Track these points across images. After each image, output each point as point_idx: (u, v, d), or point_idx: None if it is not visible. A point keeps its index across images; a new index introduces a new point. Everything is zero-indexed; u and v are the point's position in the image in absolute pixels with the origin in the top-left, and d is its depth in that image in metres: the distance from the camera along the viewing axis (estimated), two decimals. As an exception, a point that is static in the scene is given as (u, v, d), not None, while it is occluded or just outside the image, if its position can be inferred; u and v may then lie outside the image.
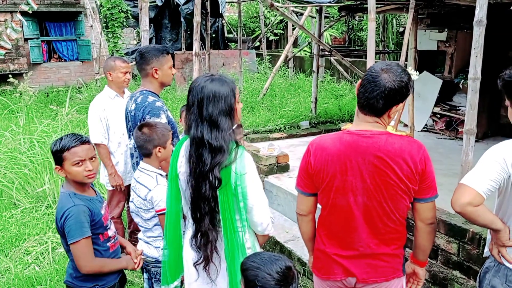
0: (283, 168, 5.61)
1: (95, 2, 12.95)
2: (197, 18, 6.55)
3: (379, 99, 2.00)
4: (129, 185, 4.24)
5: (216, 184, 2.12)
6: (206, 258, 2.24)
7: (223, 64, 13.00)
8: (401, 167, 2.01)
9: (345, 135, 2.11)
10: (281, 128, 7.70)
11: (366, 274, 2.17)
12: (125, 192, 4.30)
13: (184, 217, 2.40)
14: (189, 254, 2.35)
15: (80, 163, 2.41)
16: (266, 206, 2.26)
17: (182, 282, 2.54)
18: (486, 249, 2.27)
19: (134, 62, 8.91)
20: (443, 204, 2.89)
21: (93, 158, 2.47)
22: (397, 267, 2.21)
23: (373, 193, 2.06)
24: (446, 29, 6.85)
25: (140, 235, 2.95)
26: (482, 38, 3.26)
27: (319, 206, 2.29)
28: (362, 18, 13.16)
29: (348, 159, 2.06)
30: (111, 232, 2.60)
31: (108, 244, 2.58)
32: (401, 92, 2.01)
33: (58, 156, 2.40)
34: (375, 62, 3.00)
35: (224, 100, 2.13)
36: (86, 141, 2.46)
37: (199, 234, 2.23)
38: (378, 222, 2.10)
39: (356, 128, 2.10)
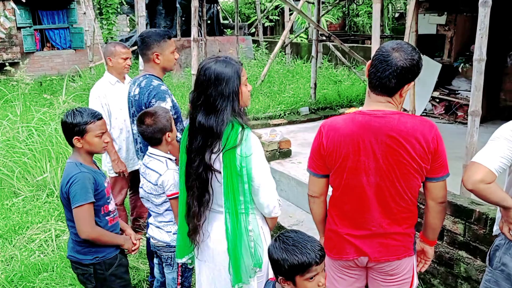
0: (285, 153, 5.60)
1: (88, -12, 12.79)
2: (195, 3, 6.47)
3: (392, 78, 2.00)
4: (132, 171, 4.24)
5: (203, 168, 2.13)
6: (194, 228, 2.26)
7: (219, 51, 12.90)
8: (413, 146, 2.01)
9: (358, 115, 2.11)
10: (281, 114, 7.69)
11: (378, 253, 2.19)
12: (127, 179, 4.28)
13: None
14: None
15: (101, 135, 2.57)
16: (273, 188, 2.25)
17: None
18: (495, 227, 2.29)
19: (134, 48, 8.77)
20: (448, 186, 2.91)
21: (106, 131, 2.66)
22: (408, 246, 2.23)
23: (385, 172, 2.07)
24: (445, 13, 6.82)
25: (151, 220, 2.93)
26: (488, 19, 3.25)
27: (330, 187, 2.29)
28: (359, 3, 13.11)
29: (361, 139, 2.06)
30: (111, 206, 2.67)
31: (107, 218, 2.64)
32: (413, 70, 2.01)
33: (82, 128, 2.50)
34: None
35: (226, 82, 2.10)
36: (101, 116, 2.62)
37: (196, 215, 2.25)
38: (390, 202, 2.11)
39: (368, 108, 2.10)
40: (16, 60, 13.10)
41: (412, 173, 2.06)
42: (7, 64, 10.49)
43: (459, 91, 6.85)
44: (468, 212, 3.17)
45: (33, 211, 4.98)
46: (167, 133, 2.77)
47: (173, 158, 2.83)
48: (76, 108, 2.56)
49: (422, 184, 2.15)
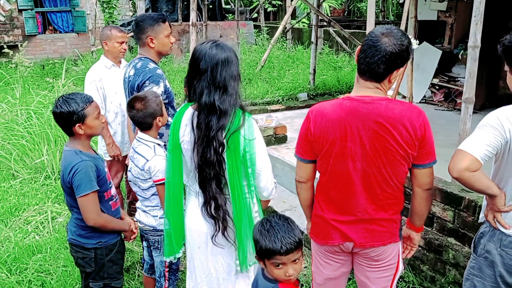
0: (281, 139, 5.61)
1: (90, -29, 12.71)
2: (194, -13, 6.44)
3: (380, 64, 1.99)
4: (127, 155, 4.26)
5: (220, 148, 2.14)
6: (221, 223, 2.26)
7: (221, 36, 12.85)
8: (400, 133, 2.01)
9: (345, 101, 2.10)
10: (279, 100, 7.68)
11: (364, 239, 2.20)
12: (123, 162, 4.30)
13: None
14: (193, 223, 2.37)
15: (98, 116, 2.56)
16: (271, 171, 2.30)
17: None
18: (481, 215, 2.30)
19: (130, 34, 8.80)
20: (439, 173, 2.91)
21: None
22: (394, 232, 2.24)
23: (372, 159, 2.07)
24: (446, -1, 6.77)
25: (138, 204, 2.96)
26: (483, 5, 3.22)
27: (318, 173, 2.30)
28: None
29: (348, 125, 2.06)
30: (113, 191, 2.69)
31: (110, 203, 2.67)
32: (402, 56, 2.00)
33: (81, 113, 2.46)
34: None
35: (234, 64, 2.17)
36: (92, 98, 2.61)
37: (209, 200, 2.25)
38: (376, 188, 2.12)
39: (356, 94, 2.09)
40: (17, 43, 13.06)
41: (398, 159, 2.06)
42: (5, 46, 10.44)
43: (458, 78, 6.82)
44: (458, 199, 3.19)
45: (30, 193, 5.03)
46: (158, 118, 2.77)
47: (162, 143, 2.84)
48: (64, 96, 2.50)
49: (409, 170, 2.15)
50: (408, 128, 2.01)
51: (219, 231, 2.27)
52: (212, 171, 2.20)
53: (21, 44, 11.49)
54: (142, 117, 2.74)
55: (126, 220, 2.80)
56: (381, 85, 2.06)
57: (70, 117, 2.45)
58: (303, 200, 2.42)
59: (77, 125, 2.48)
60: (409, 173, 2.17)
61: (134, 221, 2.87)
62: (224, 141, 2.15)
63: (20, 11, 13.38)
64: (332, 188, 2.21)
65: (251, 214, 2.26)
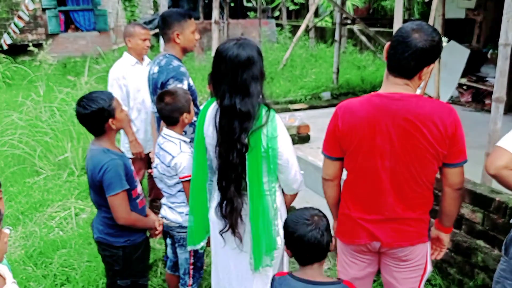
0: (304, 138, 5.55)
1: (113, -30, 12.81)
2: (216, -15, 6.43)
3: (410, 60, 1.95)
4: (149, 153, 4.26)
5: (244, 150, 2.12)
6: (232, 226, 2.25)
7: (242, 34, 12.82)
8: (430, 130, 1.96)
9: (374, 97, 2.06)
10: (301, 99, 7.61)
11: (391, 238, 2.16)
12: (145, 160, 4.30)
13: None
14: (215, 219, 2.37)
15: (122, 110, 2.58)
16: (297, 163, 2.28)
17: (208, 245, 2.58)
18: None
19: (152, 32, 8.79)
20: (468, 174, 2.85)
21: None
22: (422, 232, 2.19)
23: (401, 156, 2.02)
24: (475, -4, 6.61)
25: (163, 200, 2.95)
26: (516, 2, 3.14)
27: (344, 171, 2.26)
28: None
29: (377, 122, 2.02)
30: (139, 189, 2.70)
31: (137, 201, 2.67)
32: (432, 52, 1.96)
33: (110, 108, 2.47)
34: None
35: (256, 64, 2.13)
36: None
37: (225, 202, 2.25)
38: (405, 187, 2.07)
39: (386, 91, 2.05)
40: (40, 41, 13.24)
41: (428, 158, 2.01)
42: (30, 45, 10.59)
43: (487, 78, 6.65)
44: (488, 200, 3.11)
45: (54, 190, 5.08)
46: (185, 114, 2.76)
47: (188, 140, 2.82)
48: (87, 97, 2.49)
49: (439, 169, 2.09)
50: (438, 125, 1.96)
51: (228, 230, 2.28)
52: (234, 173, 2.18)
53: (45, 42, 11.62)
54: (169, 111, 2.73)
55: (151, 217, 2.80)
56: (411, 82, 2.02)
57: (101, 114, 2.45)
58: (330, 198, 2.38)
59: (110, 120, 2.49)
60: (439, 172, 2.11)
61: (159, 218, 2.86)
62: (247, 142, 2.12)
63: (43, 10, 13.57)
64: (360, 186, 2.17)
65: (269, 212, 2.23)
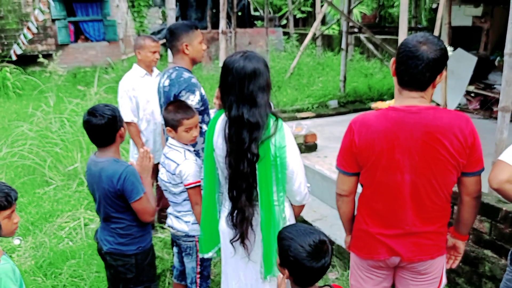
0: (311, 147, 5.56)
1: (121, -19, 12.96)
2: (224, -4, 6.49)
3: (426, 72, 1.96)
4: (158, 163, 4.29)
5: (254, 159, 2.15)
6: (242, 234, 2.27)
7: (249, 43, 12.89)
8: (451, 142, 1.97)
9: (391, 111, 2.06)
10: (308, 107, 7.62)
11: (412, 253, 2.16)
12: (154, 170, 4.31)
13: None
14: (225, 228, 2.39)
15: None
16: (304, 175, 2.29)
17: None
18: None
19: (160, 42, 8.86)
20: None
21: None
22: (441, 244, 2.20)
23: (421, 170, 2.02)
24: (481, 4, 6.59)
25: (169, 209, 2.98)
26: (520, 12, 3.14)
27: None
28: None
29: (395, 136, 2.02)
30: None
31: None
32: (443, 60, 1.98)
33: (120, 117, 2.61)
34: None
35: (262, 76, 2.16)
36: None
37: (235, 211, 2.27)
38: (425, 200, 2.07)
39: (402, 104, 2.05)
40: (50, 52, 13.38)
41: (449, 169, 2.02)
42: (40, 56, 10.72)
43: (495, 86, 6.62)
44: (495, 210, 3.11)
45: (64, 200, 5.12)
46: (180, 127, 2.81)
47: (192, 149, 2.87)
48: (98, 109, 2.53)
49: (457, 179, 2.10)
50: (458, 136, 1.97)
51: (238, 239, 2.30)
52: (245, 183, 2.21)
53: (55, 53, 11.74)
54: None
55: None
56: (425, 93, 2.03)
57: (115, 122, 2.55)
58: (344, 214, 2.37)
59: (122, 129, 2.60)
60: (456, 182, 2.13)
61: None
62: (258, 152, 2.15)
63: (53, 20, 13.73)
64: (378, 201, 2.16)
65: (279, 222, 2.24)
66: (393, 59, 2.08)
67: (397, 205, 2.10)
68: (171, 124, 2.81)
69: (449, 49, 4.27)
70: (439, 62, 1.96)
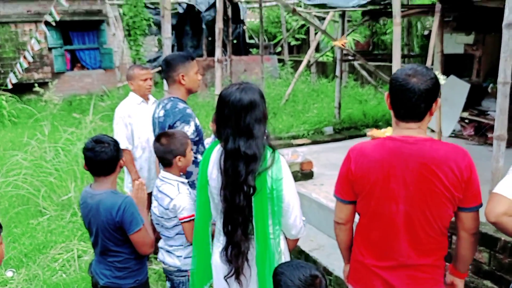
0: (307, 175, 5.54)
1: (118, 10, 13.11)
2: (219, 25, 6.57)
3: (420, 104, 1.97)
4: (152, 192, 4.26)
5: (251, 192, 2.12)
6: (237, 270, 2.23)
7: (245, 70, 12.99)
8: (446, 175, 1.95)
9: (388, 141, 2.08)
10: (304, 134, 7.64)
11: (407, 286, 2.12)
12: (149, 199, 4.28)
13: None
14: (218, 263, 2.34)
15: None
16: (300, 209, 2.26)
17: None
18: None
19: (156, 70, 8.92)
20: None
21: None
22: (438, 278, 2.15)
23: (416, 201, 2.01)
24: (473, 32, 6.70)
25: (161, 243, 2.93)
26: (512, 41, 3.19)
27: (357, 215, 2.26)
28: (386, 22, 13.01)
29: (391, 165, 2.02)
30: None
31: None
32: (435, 89, 2.00)
33: (120, 148, 2.67)
34: (401, 66, 2.93)
35: (258, 107, 2.16)
36: None
37: (230, 246, 2.22)
38: (420, 232, 2.05)
39: (399, 134, 2.06)
40: (46, 80, 13.45)
41: (444, 202, 1.99)
42: (36, 85, 10.78)
43: (488, 112, 6.67)
44: (494, 240, 3.09)
45: (57, 231, 5.06)
46: (178, 157, 2.79)
47: (185, 181, 2.83)
48: (99, 139, 2.57)
49: (454, 214, 2.07)
50: (454, 169, 1.95)
51: (233, 275, 2.25)
52: (241, 216, 2.17)
53: (51, 82, 11.77)
54: (162, 152, 2.79)
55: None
56: (423, 123, 2.04)
57: (118, 152, 2.58)
58: (342, 242, 2.36)
59: (121, 159, 2.62)
60: (454, 217, 2.10)
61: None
62: (254, 184, 2.12)
63: (50, 49, 13.82)
64: (373, 231, 2.14)
65: (274, 256, 2.21)
66: (386, 93, 2.10)
67: (392, 236, 2.08)
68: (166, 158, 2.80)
69: (442, 77, 4.32)
70: (431, 92, 1.97)
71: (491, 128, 6.59)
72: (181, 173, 2.90)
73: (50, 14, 8.25)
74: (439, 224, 2.04)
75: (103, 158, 2.53)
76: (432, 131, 6.14)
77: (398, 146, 2.02)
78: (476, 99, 6.91)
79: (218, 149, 2.26)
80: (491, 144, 6.56)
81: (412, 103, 1.97)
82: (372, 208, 2.10)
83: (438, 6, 4.80)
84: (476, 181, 2.01)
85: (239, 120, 2.13)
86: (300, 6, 10.85)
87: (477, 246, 2.19)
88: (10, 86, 8.91)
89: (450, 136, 7.05)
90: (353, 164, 2.11)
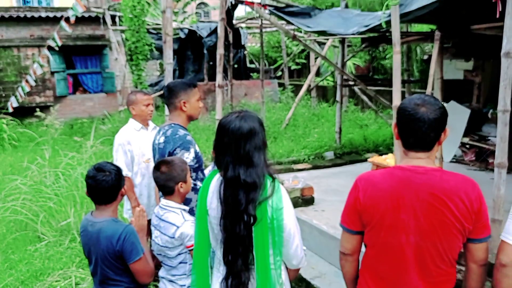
0: (308, 201, 5.51)
1: (121, 36, 13.27)
2: (220, 51, 6.61)
3: (430, 133, 1.97)
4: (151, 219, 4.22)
5: (252, 221, 2.10)
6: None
7: (245, 94, 13.08)
8: (457, 206, 1.92)
9: (397, 170, 2.05)
10: (305, 159, 7.62)
11: None
12: (148, 226, 4.25)
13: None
14: None
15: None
16: (300, 238, 2.23)
17: None
18: None
19: (157, 94, 8.97)
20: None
21: None
22: None
23: (427, 232, 1.97)
24: (472, 58, 6.75)
25: (162, 273, 2.86)
26: (511, 69, 3.20)
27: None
28: (386, 48, 13.12)
29: (401, 195, 1.98)
30: None
31: None
32: (444, 118, 1.99)
33: (123, 176, 2.69)
34: (404, 94, 2.92)
35: (258, 135, 2.15)
36: None
37: (231, 276, 2.18)
38: (430, 264, 2.01)
39: (408, 164, 2.04)
40: (48, 104, 13.52)
41: (454, 233, 1.96)
42: (37, 109, 10.84)
43: (489, 138, 6.67)
44: (498, 270, 3.01)
45: (55, 257, 4.98)
46: (180, 183, 2.77)
47: (187, 208, 2.81)
48: (102, 166, 2.59)
49: (463, 245, 2.04)
50: (464, 200, 1.92)
51: None
52: (241, 246, 2.14)
53: (52, 106, 11.82)
54: (164, 179, 2.76)
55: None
56: (431, 153, 2.03)
57: (120, 180, 2.59)
58: (347, 273, 2.30)
59: (123, 188, 2.61)
60: (462, 248, 2.06)
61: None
62: (255, 213, 2.10)
63: (52, 73, 13.95)
64: (381, 263, 2.09)
65: (280, 283, 2.18)
66: (393, 123, 2.10)
67: (401, 268, 2.04)
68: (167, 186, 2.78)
69: (443, 104, 4.32)
70: (441, 121, 1.97)
71: (492, 153, 6.58)
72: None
73: (53, 39, 8.36)
74: (449, 256, 2.00)
75: (104, 186, 2.52)
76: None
77: (408, 176, 1.99)
78: (476, 125, 6.92)
79: (217, 178, 2.25)
80: (492, 170, 6.51)
81: (422, 132, 1.96)
82: (382, 239, 2.05)
83: (438, 34, 4.84)
84: (485, 212, 1.99)
85: (238, 148, 2.12)
86: (300, 32, 10.98)
87: (486, 278, 2.14)
88: (10, 110, 8.96)
89: (451, 162, 7.04)
90: (361, 193, 2.07)
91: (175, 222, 2.70)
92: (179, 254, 2.73)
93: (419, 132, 1.97)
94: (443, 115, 1.98)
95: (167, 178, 2.75)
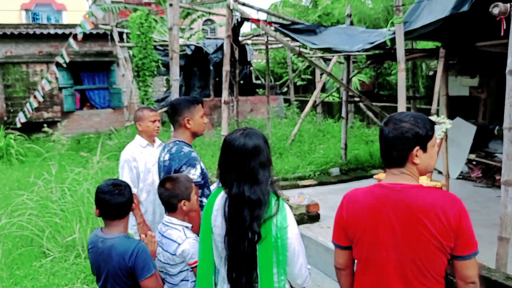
0: (313, 217, 5.49)
1: (128, 52, 13.41)
2: (226, 67, 6.68)
3: (391, 150, 2.01)
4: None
5: (256, 239, 2.10)
6: None
7: (251, 110, 13.12)
8: (433, 222, 1.91)
9: (376, 188, 2.08)
10: (310, 175, 7.61)
11: None
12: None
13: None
14: None
15: None
16: (305, 257, 2.23)
17: None
18: None
19: (163, 110, 9.02)
20: (482, 257, 2.75)
21: None
22: None
23: (405, 249, 1.97)
24: (477, 75, 6.75)
25: None
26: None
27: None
28: (391, 64, 13.16)
29: (379, 212, 2.01)
30: None
31: None
32: (406, 138, 1.97)
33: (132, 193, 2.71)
34: (409, 110, 2.94)
35: (263, 152, 2.17)
36: None
37: None
38: (413, 280, 1.99)
39: (388, 181, 2.06)
40: (56, 119, 13.64)
41: (432, 250, 1.94)
42: (45, 125, 10.93)
43: (496, 154, 6.64)
44: (504, 288, 2.99)
45: (60, 273, 4.97)
46: (183, 201, 2.77)
47: (190, 225, 2.81)
48: (115, 184, 2.63)
49: (448, 261, 2.01)
50: (440, 217, 1.91)
51: None
52: (245, 264, 2.14)
53: (59, 121, 11.91)
54: (167, 196, 2.77)
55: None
56: (406, 169, 2.02)
57: (131, 198, 2.63)
58: (344, 286, 2.33)
59: (133, 203, 2.65)
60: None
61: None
62: (259, 230, 2.10)
63: (60, 89, 14.09)
64: (368, 277, 2.11)
65: None
66: None
67: (385, 283, 2.04)
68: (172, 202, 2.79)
69: (448, 121, 4.31)
70: (401, 140, 1.97)
71: (499, 170, 6.55)
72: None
73: (61, 56, 8.47)
74: (431, 272, 1.98)
75: (121, 201, 2.56)
76: (440, 172, 6.10)
77: (385, 193, 2.02)
78: (483, 141, 6.90)
79: (222, 196, 2.25)
80: (499, 186, 6.50)
81: (384, 148, 2.04)
82: (365, 255, 2.09)
83: (442, 51, 4.87)
84: (467, 229, 1.94)
85: (243, 165, 2.13)
86: (306, 48, 11.05)
87: None
88: (19, 125, 9.04)
89: (457, 178, 7.00)
90: (344, 210, 2.13)
91: (176, 239, 2.70)
92: (181, 271, 2.73)
93: (383, 149, 2.04)
94: (405, 134, 1.97)
95: (170, 195, 2.76)
